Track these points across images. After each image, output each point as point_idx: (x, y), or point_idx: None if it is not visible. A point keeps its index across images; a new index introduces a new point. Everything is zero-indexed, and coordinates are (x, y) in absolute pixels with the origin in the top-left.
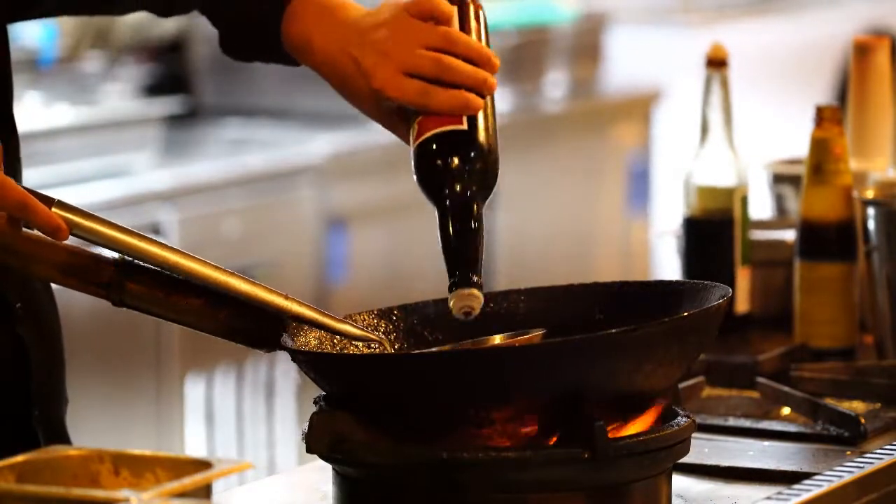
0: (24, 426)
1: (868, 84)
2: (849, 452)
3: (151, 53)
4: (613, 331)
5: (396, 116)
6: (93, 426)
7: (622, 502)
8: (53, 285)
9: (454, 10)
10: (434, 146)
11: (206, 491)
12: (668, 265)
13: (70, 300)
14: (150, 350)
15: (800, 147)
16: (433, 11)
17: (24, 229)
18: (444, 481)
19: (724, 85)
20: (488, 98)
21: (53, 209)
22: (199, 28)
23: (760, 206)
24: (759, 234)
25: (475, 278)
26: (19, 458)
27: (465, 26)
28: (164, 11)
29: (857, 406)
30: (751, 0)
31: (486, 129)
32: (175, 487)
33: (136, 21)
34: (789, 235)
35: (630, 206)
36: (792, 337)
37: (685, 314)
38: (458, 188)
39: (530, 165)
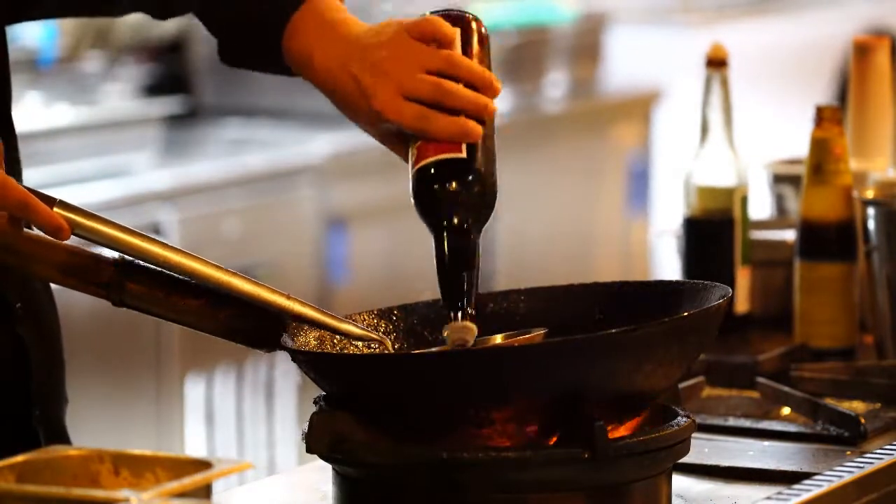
0: (25, 426)
1: (868, 84)
2: (849, 452)
3: (151, 53)
4: (613, 331)
5: (395, 137)
6: (93, 426)
7: (622, 502)
8: (53, 285)
9: (456, 32)
10: (432, 173)
11: (206, 491)
12: (668, 265)
13: (70, 300)
14: (150, 350)
15: (800, 147)
16: (435, 34)
17: (25, 229)
18: (444, 481)
19: (724, 85)
20: (489, 124)
21: (55, 209)
22: (199, 28)
23: (760, 206)
24: (759, 234)
25: (469, 310)
26: (19, 458)
27: (467, 48)
28: (160, 14)
29: (857, 406)
30: (751, 0)
31: (485, 156)
32: (175, 487)
33: (136, 21)
34: (789, 235)
35: (630, 206)
36: (792, 337)
37: (685, 314)
38: (455, 220)
39: (530, 165)
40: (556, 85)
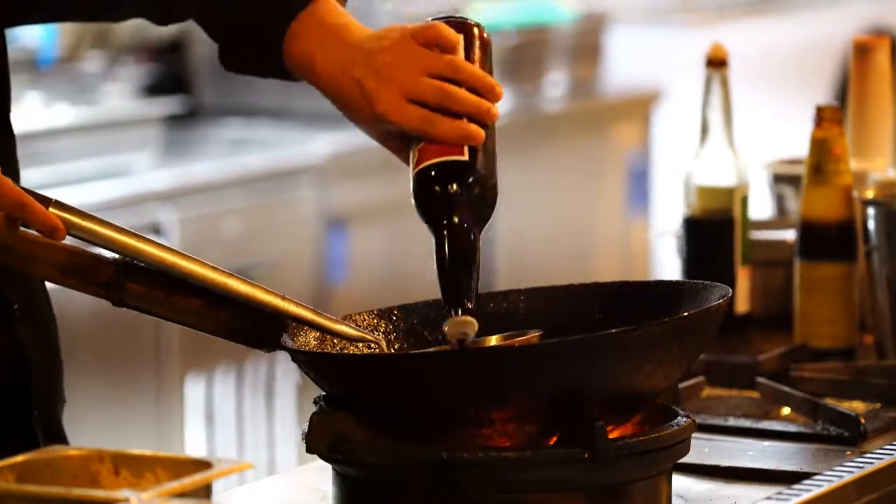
0: (23, 426)
1: (868, 84)
2: (849, 452)
3: (151, 53)
4: (613, 331)
5: (397, 140)
6: (93, 426)
7: (622, 502)
8: (50, 285)
9: (460, 38)
10: (433, 174)
11: (206, 491)
12: (668, 265)
13: (69, 300)
14: (150, 350)
15: (800, 147)
16: (439, 39)
17: (24, 230)
18: (444, 481)
19: (724, 85)
20: (490, 128)
21: (51, 209)
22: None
23: (760, 206)
24: (759, 234)
25: (469, 305)
26: (19, 458)
27: (469, 54)
28: (160, 20)
29: (857, 406)
30: (751, 0)
31: (486, 159)
32: (175, 487)
33: (137, 22)
34: (789, 235)
35: (630, 206)
36: (792, 337)
37: (685, 314)
38: (455, 219)
39: (530, 165)
40: (556, 85)
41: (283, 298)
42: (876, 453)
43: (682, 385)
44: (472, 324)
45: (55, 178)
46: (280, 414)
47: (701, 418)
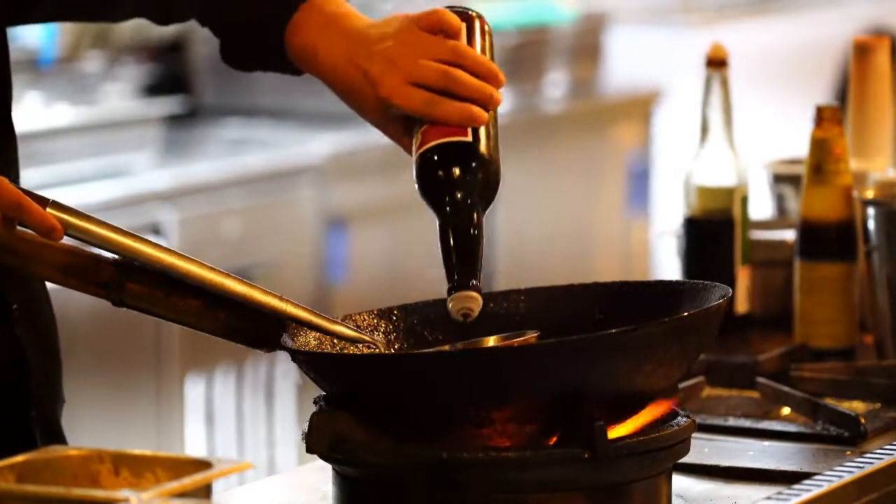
0: (22, 427)
1: (868, 84)
2: (849, 452)
3: (151, 53)
4: (613, 331)
5: (400, 126)
6: (93, 426)
7: (622, 502)
8: (50, 285)
9: (463, 24)
10: (437, 155)
11: (206, 491)
12: (668, 265)
13: (69, 300)
14: (150, 350)
15: (800, 147)
16: (442, 25)
17: (23, 230)
18: (444, 481)
19: (724, 85)
20: (492, 113)
21: (48, 209)
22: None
23: (760, 206)
24: (759, 234)
25: (474, 281)
26: (19, 458)
27: (471, 43)
28: (161, 20)
29: (857, 406)
30: (751, 0)
31: (490, 141)
32: (175, 487)
33: (137, 21)
34: (789, 235)
35: (630, 206)
36: (792, 337)
37: (685, 314)
38: (459, 196)
39: (530, 165)
40: (556, 85)
41: (281, 299)
42: (876, 453)
43: (682, 385)
44: (477, 299)
45: (55, 178)
46: (280, 414)
47: (701, 418)
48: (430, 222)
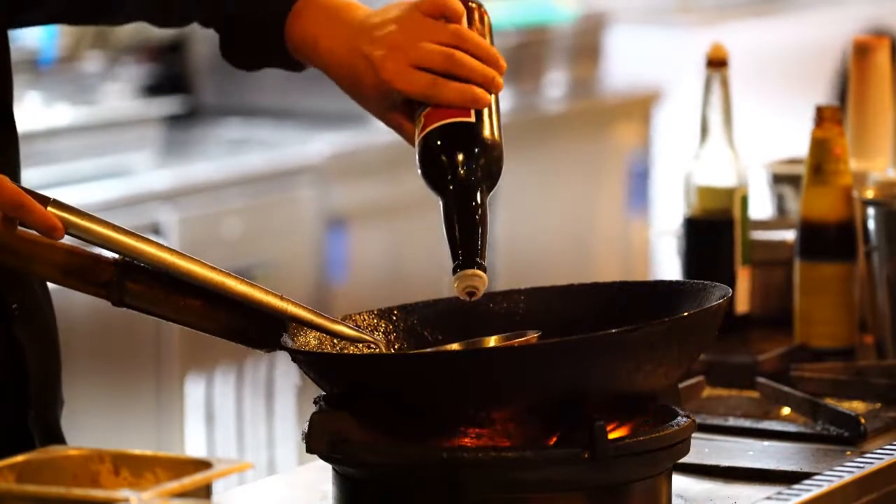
0: (20, 428)
1: (868, 84)
2: (849, 452)
3: (151, 53)
4: (613, 331)
5: (401, 114)
6: (93, 426)
7: (622, 502)
8: (50, 286)
9: (464, 10)
10: (440, 136)
11: (206, 491)
12: (668, 265)
13: (69, 300)
14: (150, 350)
15: (800, 147)
16: (444, 9)
17: (23, 229)
18: (444, 481)
19: (724, 85)
20: (494, 99)
21: (49, 208)
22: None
23: (760, 206)
24: (759, 234)
25: (479, 260)
26: (19, 458)
27: (472, 27)
28: (161, 23)
29: (857, 406)
30: (751, 0)
31: (493, 124)
32: (175, 487)
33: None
34: (789, 235)
35: (630, 206)
36: (792, 337)
37: (685, 314)
38: (462, 176)
39: (530, 165)
40: (556, 85)
41: (282, 298)
42: (876, 453)
43: (682, 385)
44: (482, 278)
45: (55, 178)
46: (280, 414)
47: (701, 418)
48: (430, 222)
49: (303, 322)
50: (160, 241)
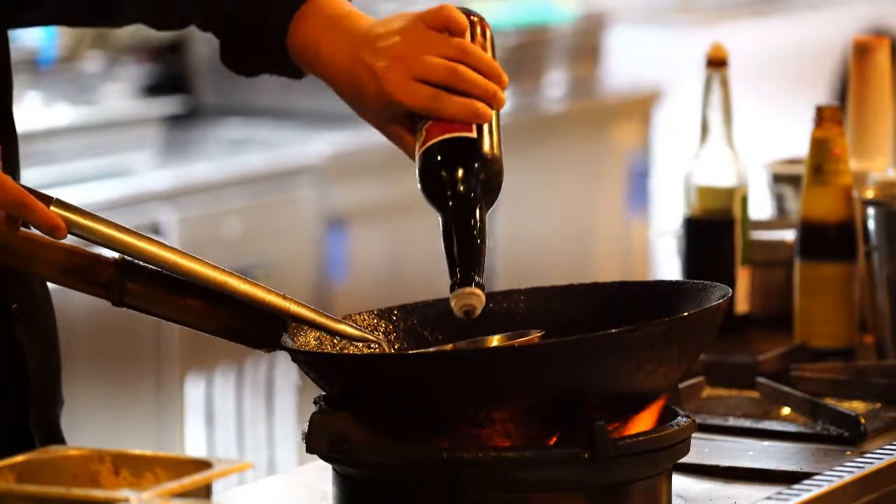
0: (20, 428)
1: (868, 84)
2: (849, 452)
3: (151, 53)
4: (613, 331)
5: (400, 127)
6: (93, 426)
7: (622, 502)
8: (50, 286)
9: (468, 23)
10: (441, 151)
11: (206, 491)
12: (668, 265)
13: (69, 300)
14: (150, 350)
15: (800, 147)
16: (448, 22)
17: (24, 229)
18: (444, 481)
19: (724, 85)
20: (496, 113)
21: (52, 207)
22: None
23: (760, 206)
24: (759, 234)
25: (477, 278)
26: (19, 458)
27: (474, 42)
28: (159, 26)
29: (857, 406)
30: (751, 0)
31: (494, 140)
32: (175, 487)
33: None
34: (789, 235)
35: (630, 206)
36: (792, 337)
37: (685, 314)
38: (462, 192)
39: (530, 165)
40: (556, 85)
41: (284, 298)
42: (876, 453)
43: (682, 385)
44: (480, 296)
45: (55, 178)
46: (280, 414)
47: (701, 418)
48: (430, 223)
49: (305, 321)
50: (162, 240)
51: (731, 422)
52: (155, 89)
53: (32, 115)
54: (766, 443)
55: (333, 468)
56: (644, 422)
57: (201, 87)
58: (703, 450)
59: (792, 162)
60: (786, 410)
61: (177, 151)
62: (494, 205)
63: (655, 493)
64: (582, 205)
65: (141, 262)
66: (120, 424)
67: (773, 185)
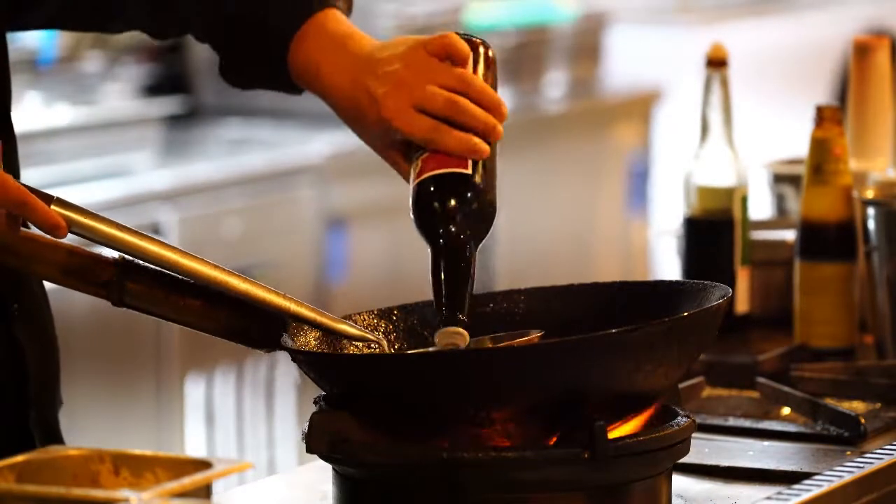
0: (20, 428)
1: (868, 84)
2: (849, 452)
3: (151, 53)
4: (613, 331)
5: (398, 151)
6: (93, 426)
7: (622, 502)
8: (49, 285)
9: (470, 52)
10: (435, 186)
11: (206, 491)
12: (668, 265)
13: (69, 300)
14: (150, 350)
15: (800, 147)
16: (450, 51)
17: (25, 229)
18: (444, 481)
19: (724, 85)
20: (493, 146)
21: (52, 206)
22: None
23: (760, 206)
24: (759, 234)
25: (461, 317)
26: (19, 458)
27: (475, 71)
28: (158, 32)
29: (857, 406)
30: (751, 0)
31: (488, 175)
32: (175, 487)
33: None
34: (789, 235)
35: (630, 206)
36: (792, 337)
37: (685, 314)
38: (453, 230)
39: (530, 165)
40: (556, 85)
41: (285, 297)
42: (876, 453)
43: (682, 385)
44: (463, 335)
45: (55, 178)
46: (280, 414)
47: (701, 418)
48: None
49: (305, 321)
50: (163, 239)
51: (731, 422)
52: (155, 89)
53: (32, 115)
54: (766, 443)
55: (333, 468)
56: (644, 422)
57: (201, 87)
58: (703, 450)
59: (792, 162)
60: (786, 410)
61: (177, 151)
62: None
63: (655, 493)
64: (582, 205)
65: (141, 262)
66: (120, 424)
67: (773, 185)
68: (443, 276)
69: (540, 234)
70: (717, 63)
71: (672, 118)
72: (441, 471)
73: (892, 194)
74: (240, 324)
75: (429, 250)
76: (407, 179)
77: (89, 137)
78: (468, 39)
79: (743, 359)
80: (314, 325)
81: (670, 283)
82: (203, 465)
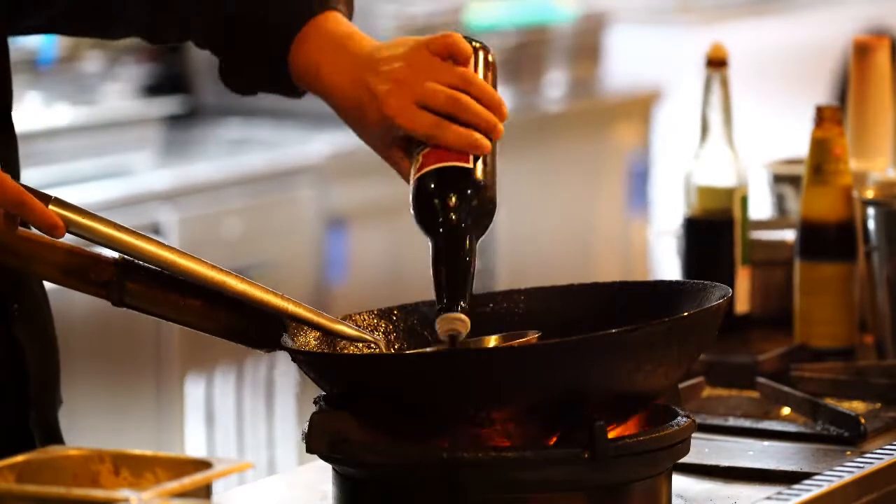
0: (20, 428)
1: (868, 84)
2: (849, 452)
3: (151, 53)
4: (613, 331)
5: (399, 151)
6: (93, 426)
7: (622, 502)
8: (49, 285)
9: (472, 51)
10: (435, 179)
11: (206, 491)
12: (668, 265)
13: (69, 300)
14: (150, 350)
15: (800, 147)
16: (452, 50)
17: (24, 229)
18: (444, 481)
19: (724, 85)
20: (493, 144)
21: (50, 206)
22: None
23: (760, 206)
24: (759, 234)
25: (462, 304)
26: (19, 458)
27: (476, 71)
28: (157, 36)
29: (857, 406)
30: (751, 0)
31: (488, 170)
32: (175, 487)
33: None
34: (789, 235)
35: (630, 206)
36: (792, 337)
37: (685, 314)
38: (454, 221)
39: (530, 165)
40: (556, 85)
41: (283, 298)
42: (876, 453)
43: (682, 385)
44: (464, 321)
45: (55, 178)
46: (280, 414)
47: (701, 418)
48: None
49: (303, 321)
50: (161, 240)
51: (731, 422)
52: (155, 89)
53: (32, 115)
54: (766, 443)
55: (333, 468)
56: (644, 422)
57: (201, 87)
58: (703, 450)
59: (792, 162)
60: (786, 410)
61: (177, 151)
62: (493, 215)
63: (655, 493)
64: (582, 205)
65: (140, 262)
66: (120, 424)
67: (773, 185)
68: (444, 268)
69: (540, 233)
70: (717, 63)
71: (672, 118)
72: (441, 471)
73: (892, 194)
74: (240, 324)
75: (429, 246)
76: (407, 179)
77: (89, 137)
78: (469, 41)
79: (743, 359)
80: (312, 325)
81: (670, 283)
82: (203, 465)
